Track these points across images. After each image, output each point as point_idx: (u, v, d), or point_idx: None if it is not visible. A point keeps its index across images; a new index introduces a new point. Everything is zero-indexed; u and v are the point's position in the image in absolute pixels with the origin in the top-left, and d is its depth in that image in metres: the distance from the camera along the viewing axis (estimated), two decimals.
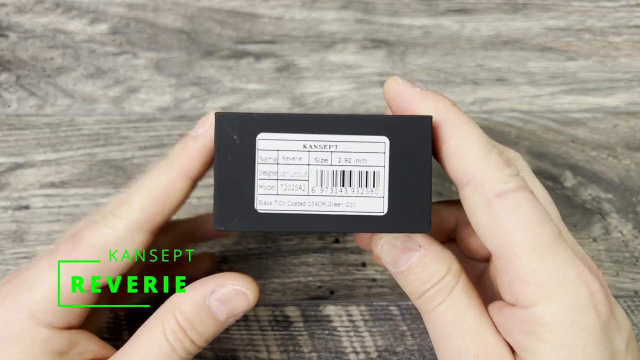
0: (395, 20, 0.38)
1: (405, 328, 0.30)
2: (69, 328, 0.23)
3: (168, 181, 0.23)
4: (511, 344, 0.21)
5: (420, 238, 0.22)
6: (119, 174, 0.34)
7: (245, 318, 0.31)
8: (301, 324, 0.31)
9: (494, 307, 0.22)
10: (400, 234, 0.23)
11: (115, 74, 0.37)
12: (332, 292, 0.31)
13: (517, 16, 0.38)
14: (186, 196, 0.24)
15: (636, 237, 0.33)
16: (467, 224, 0.22)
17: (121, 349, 0.22)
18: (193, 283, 0.22)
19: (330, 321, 0.31)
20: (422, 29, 0.37)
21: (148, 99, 0.36)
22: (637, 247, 0.32)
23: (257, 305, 0.31)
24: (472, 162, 0.20)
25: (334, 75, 0.37)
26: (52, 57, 0.37)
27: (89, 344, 0.23)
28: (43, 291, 0.22)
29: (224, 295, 0.22)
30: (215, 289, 0.22)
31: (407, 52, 0.37)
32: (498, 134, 0.36)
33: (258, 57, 0.37)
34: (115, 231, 0.23)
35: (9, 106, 0.36)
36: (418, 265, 0.22)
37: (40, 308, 0.22)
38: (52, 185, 0.34)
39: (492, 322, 0.22)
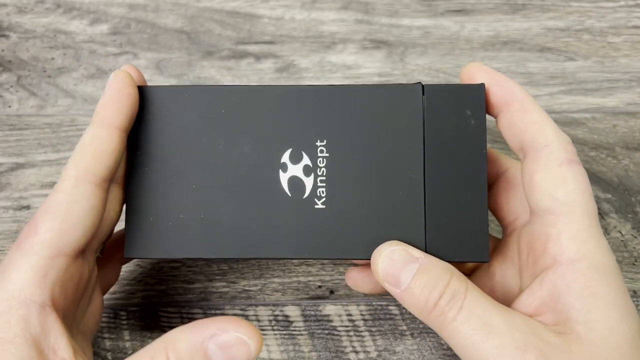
0: (395, 20, 0.38)
1: (405, 328, 0.30)
2: (54, 305, 0.22)
3: (100, 139, 0.23)
4: (556, 313, 0.21)
5: (415, 251, 0.23)
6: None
7: (245, 318, 0.31)
8: (301, 324, 0.31)
9: (529, 292, 0.22)
10: (396, 248, 0.23)
11: None
12: (332, 292, 0.32)
13: (517, 17, 0.38)
14: (119, 146, 0.24)
15: (635, 237, 0.33)
16: (507, 190, 0.26)
17: None
18: (194, 322, 0.21)
19: (330, 321, 0.31)
20: (422, 30, 0.38)
21: None
22: (636, 247, 0.33)
23: (257, 305, 0.31)
24: (551, 132, 0.23)
25: (334, 75, 0.37)
26: (52, 58, 0.37)
27: (59, 340, 0.22)
28: (18, 271, 0.21)
29: (225, 342, 0.21)
30: (216, 332, 0.21)
31: (406, 53, 0.37)
32: (498, 134, 0.36)
33: (258, 57, 0.37)
34: (66, 193, 0.22)
35: (9, 106, 0.36)
36: (420, 273, 0.22)
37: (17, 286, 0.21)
38: (53, 185, 0.34)
39: (516, 311, 0.22)
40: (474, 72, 0.25)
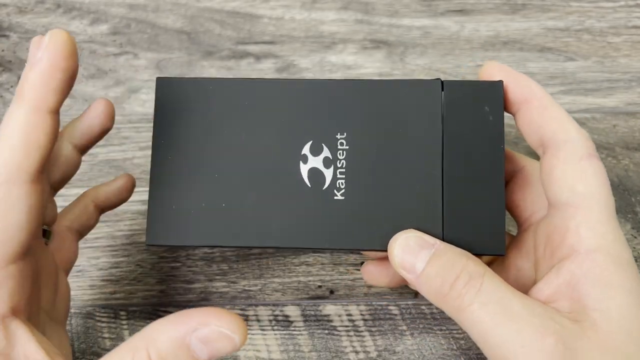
0: (395, 20, 0.38)
1: (404, 327, 0.30)
2: (16, 313, 0.21)
3: (33, 127, 0.20)
4: (572, 300, 0.22)
5: (430, 238, 0.23)
6: (120, 174, 0.35)
7: (245, 318, 0.31)
8: (301, 324, 0.31)
9: (547, 280, 0.23)
10: (412, 235, 0.23)
11: (116, 74, 0.37)
12: (332, 292, 0.32)
13: (517, 17, 0.38)
14: (54, 133, 0.21)
15: (635, 237, 0.33)
16: (523, 187, 0.26)
17: None
18: (175, 315, 0.20)
19: (330, 321, 0.31)
20: (422, 30, 0.38)
21: (149, 100, 0.36)
22: (636, 247, 0.33)
23: (257, 305, 0.31)
24: (572, 128, 0.24)
25: (334, 75, 0.37)
26: None
27: (28, 345, 0.21)
28: None
29: (207, 336, 0.19)
30: (198, 326, 0.19)
31: (406, 53, 0.37)
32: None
33: (258, 57, 0.37)
34: None
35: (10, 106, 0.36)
36: (435, 257, 0.23)
37: None
38: None
39: (533, 298, 0.22)
40: (493, 71, 0.25)
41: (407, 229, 0.24)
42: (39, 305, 0.23)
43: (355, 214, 0.24)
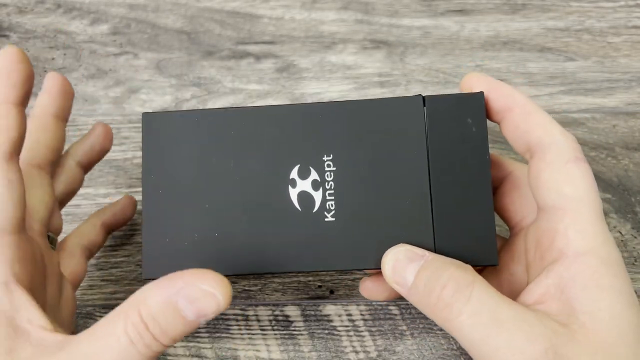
0: (395, 20, 0.38)
1: (404, 327, 0.30)
2: (19, 282, 0.22)
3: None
4: (561, 303, 0.22)
5: (420, 250, 0.23)
6: (119, 174, 0.35)
7: (245, 317, 0.31)
8: (301, 324, 0.31)
9: (537, 283, 0.23)
10: (402, 249, 0.24)
11: (116, 74, 0.37)
12: (332, 292, 0.32)
13: (517, 17, 0.38)
14: (22, 123, 0.23)
15: (635, 237, 0.33)
16: (510, 192, 0.27)
17: (77, 336, 0.21)
18: (161, 278, 0.21)
19: (330, 321, 0.31)
20: (422, 30, 0.38)
21: (149, 100, 0.36)
22: (635, 247, 0.33)
23: (257, 304, 0.31)
24: (557, 132, 0.24)
25: (334, 75, 0.37)
26: (53, 58, 0.37)
27: (32, 311, 0.22)
28: None
29: (192, 295, 0.21)
30: (184, 287, 0.21)
31: (406, 53, 0.37)
32: (497, 134, 0.36)
33: (258, 57, 0.37)
34: None
35: None
36: (424, 269, 0.23)
37: None
38: None
39: (522, 304, 0.22)
40: (473, 82, 0.26)
41: (398, 244, 0.24)
42: (45, 297, 0.24)
43: (347, 234, 0.24)
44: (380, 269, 0.24)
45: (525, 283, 0.25)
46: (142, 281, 0.23)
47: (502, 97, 0.25)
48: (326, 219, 0.24)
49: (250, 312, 0.31)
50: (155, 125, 0.25)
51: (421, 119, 0.24)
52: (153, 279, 0.23)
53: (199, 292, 0.21)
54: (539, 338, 0.20)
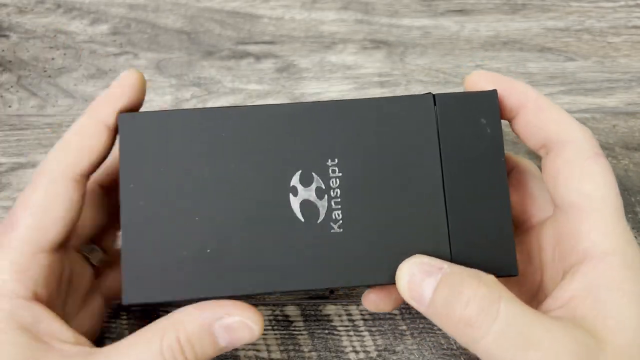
0: (395, 20, 0.38)
1: (404, 327, 0.30)
2: (37, 300, 0.22)
3: (88, 133, 0.23)
4: (587, 306, 0.21)
5: (437, 261, 0.22)
6: None
7: None
8: (301, 324, 0.31)
9: (555, 296, 0.22)
10: (417, 261, 0.22)
11: (116, 74, 0.37)
12: (332, 292, 0.32)
13: (517, 17, 0.38)
14: (108, 147, 0.23)
15: (635, 237, 0.33)
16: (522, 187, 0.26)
17: (114, 345, 0.21)
18: (201, 303, 0.22)
19: (330, 321, 0.31)
20: (422, 30, 0.38)
21: (149, 100, 0.36)
22: None
23: (257, 304, 0.31)
24: (574, 127, 0.23)
25: (334, 75, 0.37)
26: (53, 58, 0.37)
27: (53, 324, 0.22)
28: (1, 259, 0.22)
29: (231, 325, 0.21)
30: (224, 316, 0.21)
31: (406, 53, 0.37)
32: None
33: (258, 57, 0.37)
34: (44, 189, 0.22)
35: (10, 106, 0.36)
36: (443, 283, 0.21)
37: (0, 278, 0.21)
38: None
39: (549, 316, 0.21)
40: (479, 80, 0.24)
41: (412, 255, 0.22)
42: (62, 309, 0.24)
43: (356, 246, 0.22)
44: (394, 283, 0.22)
45: (538, 282, 0.25)
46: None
47: (514, 93, 0.24)
48: (332, 230, 0.22)
49: None
50: (134, 127, 0.23)
51: (432, 118, 0.23)
52: (136, 305, 0.22)
53: (238, 322, 0.21)
54: (572, 356, 0.19)
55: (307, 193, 0.23)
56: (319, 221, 0.22)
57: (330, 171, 0.23)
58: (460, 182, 0.23)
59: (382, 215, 0.22)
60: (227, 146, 0.23)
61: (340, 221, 0.22)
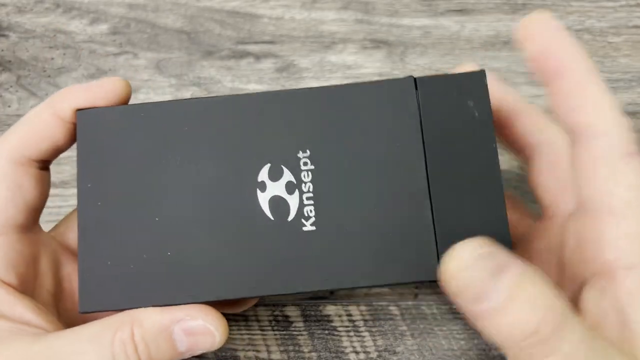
0: (395, 20, 0.38)
1: (405, 328, 0.30)
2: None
3: (39, 121, 0.23)
4: (618, 322, 0.19)
5: (501, 254, 0.18)
6: None
7: (245, 318, 0.31)
8: (301, 324, 0.31)
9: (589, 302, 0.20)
10: (485, 248, 0.18)
11: (116, 74, 0.37)
12: (332, 292, 0.32)
13: (517, 16, 0.38)
14: (59, 136, 0.23)
15: None
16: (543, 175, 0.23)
17: (61, 332, 0.20)
18: (164, 307, 0.21)
19: (330, 321, 0.31)
20: (422, 29, 0.38)
21: (148, 99, 0.36)
22: None
23: (257, 305, 0.31)
24: (611, 117, 0.20)
25: (334, 75, 0.37)
26: (52, 57, 0.37)
27: (14, 304, 0.22)
28: None
29: (191, 328, 0.20)
30: (185, 318, 0.20)
31: (406, 53, 0.37)
32: None
33: (258, 57, 0.37)
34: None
35: (9, 106, 0.36)
36: (519, 287, 0.18)
37: None
38: (52, 185, 0.34)
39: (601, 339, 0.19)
40: (534, 27, 0.22)
41: (395, 256, 0.20)
42: (37, 295, 0.24)
43: (331, 246, 0.20)
44: (377, 286, 0.21)
45: (554, 277, 0.23)
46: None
47: (555, 55, 0.20)
48: (304, 228, 0.21)
49: (250, 312, 0.31)
50: (92, 123, 0.21)
51: (414, 104, 0.21)
52: (92, 312, 0.21)
53: (200, 326, 0.20)
54: None
55: (277, 188, 0.21)
56: (289, 219, 0.21)
57: (301, 164, 0.21)
58: (446, 174, 0.21)
59: (360, 212, 0.21)
60: (190, 141, 0.21)
61: (313, 218, 0.21)
